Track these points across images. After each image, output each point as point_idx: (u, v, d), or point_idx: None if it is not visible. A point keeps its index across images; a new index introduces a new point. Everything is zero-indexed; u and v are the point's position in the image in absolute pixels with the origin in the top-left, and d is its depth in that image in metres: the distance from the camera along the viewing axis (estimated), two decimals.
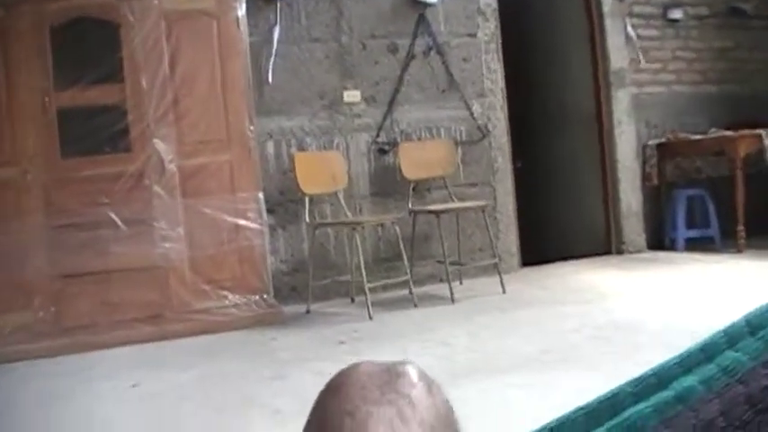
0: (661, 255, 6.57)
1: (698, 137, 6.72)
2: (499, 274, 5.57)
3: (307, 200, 5.46)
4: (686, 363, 0.70)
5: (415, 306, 5.30)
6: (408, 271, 5.45)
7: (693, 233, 6.71)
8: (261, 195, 5.29)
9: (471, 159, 6.22)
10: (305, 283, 5.50)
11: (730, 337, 0.69)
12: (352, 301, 5.67)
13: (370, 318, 5.03)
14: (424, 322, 4.88)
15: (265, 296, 5.26)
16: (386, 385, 0.66)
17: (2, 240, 4.84)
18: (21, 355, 4.64)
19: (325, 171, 5.66)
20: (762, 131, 6.19)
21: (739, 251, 6.09)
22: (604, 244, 6.94)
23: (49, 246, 4.91)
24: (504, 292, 5.50)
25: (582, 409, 0.74)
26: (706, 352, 0.69)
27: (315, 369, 4.00)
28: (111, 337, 4.85)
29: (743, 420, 0.59)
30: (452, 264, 5.68)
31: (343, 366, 0.73)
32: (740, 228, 6.11)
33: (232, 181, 5.24)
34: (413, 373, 0.69)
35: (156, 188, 5.07)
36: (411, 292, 5.42)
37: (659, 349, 3.41)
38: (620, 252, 6.84)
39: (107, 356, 4.67)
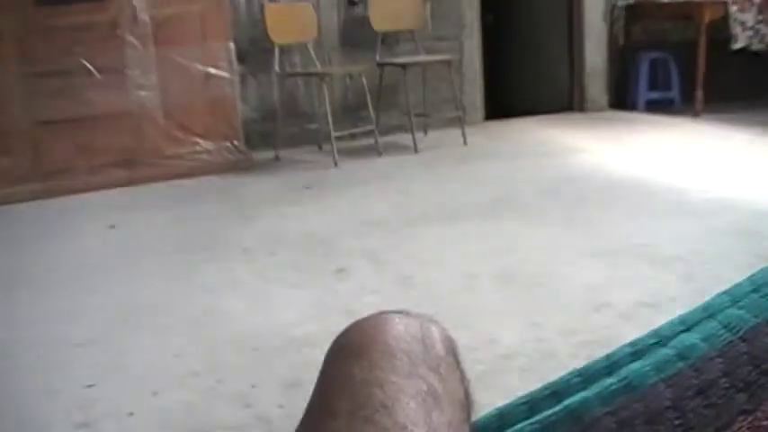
0: (621, 114, 6.72)
1: (666, 0, 6.75)
2: (462, 126, 5.76)
3: (277, 50, 5.53)
4: (687, 321, 0.67)
5: (380, 155, 5.52)
6: (374, 121, 5.61)
7: (655, 95, 6.83)
8: (232, 45, 5.37)
9: (440, 13, 6.25)
10: (274, 131, 5.65)
11: (733, 297, 0.66)
12: (320, 148, 5.87)
13: (336, 165, 5.26)
14: (387, 170, 5.12)
15: (236, 143, 5.43)
16: (415, 356, 0.62)
17: None
18: (2, 199, 4.79)
19: (295, 21, 5.70)
20: None
21: (697, 115, 6.24)
22: (567, 101, 7.08)
23: (25, 93, 4.98)
24: (465, 143, 5.71)
25: (577, 371, 0.70)
26: (708, 311, 0.67)
27: (281, 212, 4.27)
28: (87, 182, 5.02)
29: (746, 381, 0.57)
30: (417, 115, 5.84)
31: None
32: (699, 92, 6.24)
33: (203, 30, 5.30)
34: (441, 343, 0.65)
35: (130, 37, 5.11)
36: (376, 142, 5.61)
37: (604, 204, 3.73)
38: (582, 110, 6.97)
39: (85, 200, 4.87)
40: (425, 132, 6.13)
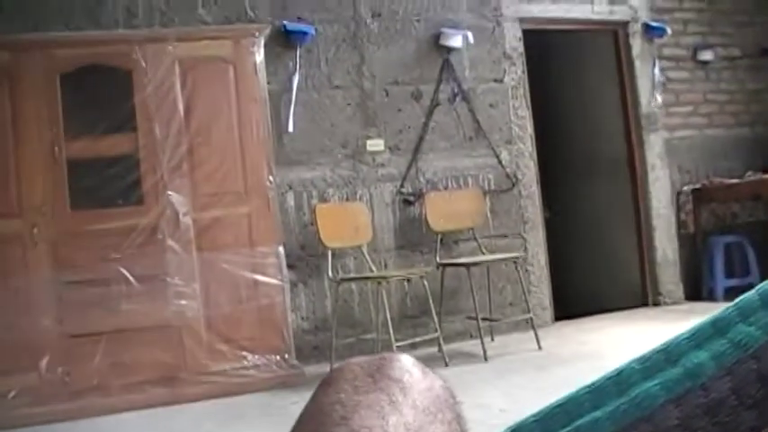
0: (700, 305, 6.35)
1: (734, 181, 6.64)
2: (534, 329, 5.35)
3: (329, 254, 5.28)
4: (696, 337, 0.68)
5: (446, 365, 5.06)
6: (437, 327, 5.24)
7: (733, 282, 6.52)
8: (281, 249, 5.13)
9: (500, 209, 6.04)
10: (328, 342, 5.28)
11: (742, 311, 0.67)
12: None
13: None
14: (456, 382, 4.47)
15: (286, 356, 5.07)
16: (377, 372, 0.66)
17: (7, 297, 4.68)
18: (27, 419, 4.45)
19: (348, 223, 5.49)
20: None
21: None
22: (640, 296, 6.74)
23: (57, 303, 4.77)
24: (539, 348, 5.27)
25: (587, 387, 0.71)
26: (716, 326, 0.67)
27: None
28: (122, 401, 4.67)
29: (755, 398, 0.58)
30: (484, 319, 5.47)
31: None
32: None
33: (250, 234, 5.09)
34: (405, 359, 0.69)
35: (170, 242, 4.92)
36: (441, 350, 5.20)
37: None
38: (656, 304, 6.63)
39: (118, 422, 4.50)
40: (492, 338, 5.71)
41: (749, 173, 6.68)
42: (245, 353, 4.97)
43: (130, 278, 4.81)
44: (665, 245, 6.66)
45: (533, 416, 0.73)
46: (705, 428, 0.58)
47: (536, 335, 5.30)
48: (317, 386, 0.68)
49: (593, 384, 0.71)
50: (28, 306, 4.72)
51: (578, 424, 0.66)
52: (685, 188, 6.74)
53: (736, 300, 0.69)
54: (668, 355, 0.68)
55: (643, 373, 0.68)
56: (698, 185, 6.74)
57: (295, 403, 4.48)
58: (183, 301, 4.93)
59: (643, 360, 0.70)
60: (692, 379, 0.63)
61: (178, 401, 4.71)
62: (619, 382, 0.69)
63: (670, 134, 6.79)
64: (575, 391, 0.72)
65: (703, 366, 0.63)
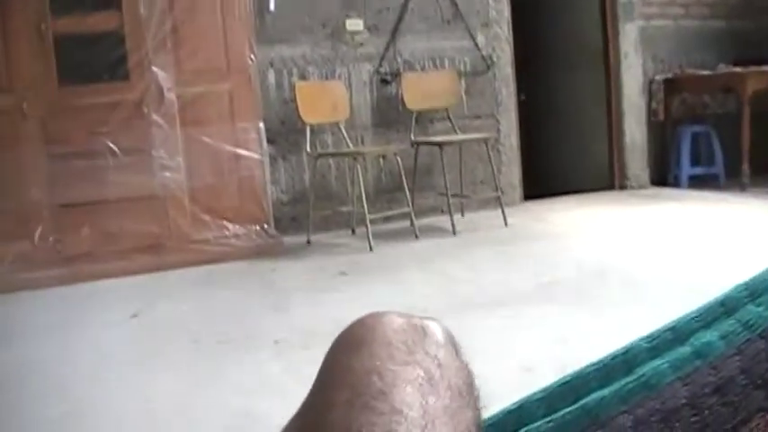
0: (664, 191, 6.54)
1: (706, 73, 6.64)
2: (501, 207, 5.54)
3: (308, 130, 5.40)
4: (705, 317, 0.68)
5: (417, 238, 5.28)
6: (410, 202, 5.41)
7: (697, 170, 6.68)
8: (261, 125, 5.23)
9: (475, 91, 6.14)
10: (305, 214, 5.47)
11: (752, 291, 0.67)
12: (353, 232, 5.65)
13: (371, 249, 5.01)
14: (425, 254, 4.87)
15: (265, 226, 5.24)
16: (413, 344, 0.64)
17: (0, 168, 4.79)
18: (22, 283, 4.62)
19: (326, 101, 5.59)
20: None
21: (743, 189, 6.05)
22: (607, 179, 6.90)
23: (48, 175, 4.87)
24: (505, 225, 5.48)
25: (594, 365, 0.70)
26: (726, 306, 0.67)
27: (314, 300, 3.99)
28: (110, 267, 4.83)
29: (764, 378, 0.58)
30: (454, 196, 5.64)
31: (355, 309, 0.71)
32: (745, 166, 6.06)
33: (232, 110, 5.18)
34: (439, 332, 0.67)
35: (155, 117, 5.00)
36: (412, 224, 5.40)
37: (658, 285, 3.42)
38: (622, 187, 6.80)
39: (107, 286, 4.67)
40: (462, 214, 5.93)
41: (721, 65, 6.73)
42: (226, 223, 5.12)
43: (117, 151, 4.91)
44: (635, 131, 6.78)
45: (539, 392, 0.71)
46: (714, 407, 0.58)
47: (503, 212, 5.50)
48: (342, 342, 0.66)
49: (599, 362, 0.70)
50: (19, 178, 4.83)
51: (584, 402, 0.65)
52: (658, 77, 6.80)
53: (746, 279, 0.68)
54: (676, 333, 0.68)
55: (651, 352, 0.67)
56: (670, 75, 6.80)
57: (273, 270, 4.75)
58: (168, 174, 5.04)
59: (651, 338, 0.69)
60: (700, 358, 0.62)
61: (163, 268, 4.88)
62: (626, 360, 0.69)
63: (646, 23, 6.79)
64: (581, 369, 0.71)
65: (712, 345, 0.62)
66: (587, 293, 3.72)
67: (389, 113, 5.90)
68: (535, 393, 0.72)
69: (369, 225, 5.08)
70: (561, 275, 4.08)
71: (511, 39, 6.28)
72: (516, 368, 2.79)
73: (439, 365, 0.62)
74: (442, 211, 5.60)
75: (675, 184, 6.69)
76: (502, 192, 5.78)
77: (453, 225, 5.38)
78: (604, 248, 4.64)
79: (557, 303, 3.59)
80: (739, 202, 5.73)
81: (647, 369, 0.64)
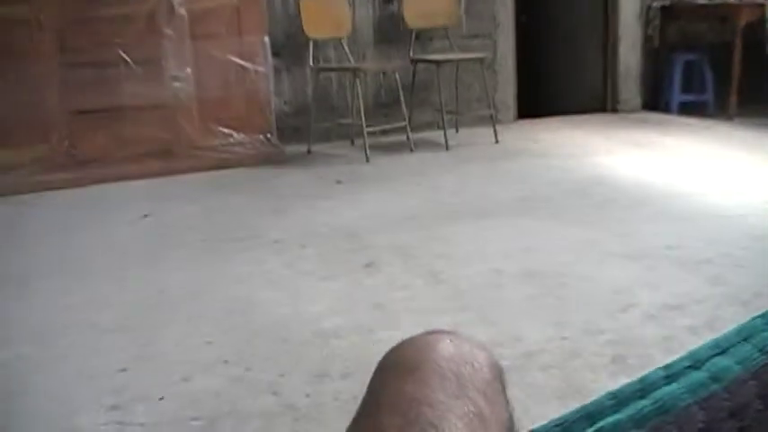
0: (654, 116, 6.67)
1: (702, 2, 6.64)
2: (493, 124, 5.77)
3: (311, 44, 5.58)
4: (721, 345, 0.66)
5: (411, 151, 5.55)
6: (407, 117, 5.63)
7: (688, 97, 6.75)
8: (266, 39, 5.41)
9: (474, 11, 6.25)
10: (307, 125, 5.69)
11: None
12: (352, 143, 5.90)
13: (368, 160, 5.30)
14: (418, 166, 5.15)
15: (269, 136, 5.47)
16: (464, 378, 0.62)
17: (17, 77, 4.95)
18: (38, 186, 4.86)
19: (330, 16, 5.75)
20: (765, 1, 6.17)
21: (730, 118, 6.18)
22: (600, 102, 7.04)
23: (63, 83, 5.03)
24: (496, 142, 5.72)
25: (610, 394, 0.70)
26: (742, 334, 0.66)
27: (313, 206, 4.31)
28: (122, 171, 5.07)
29: None
30: (449, 112, 5.86)
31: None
32: (733, 96, 6.16)
33: (239, 24, 5.34)
34: (489, 368, 0.66)
35: (166, 30, 5.17)
36: (408, 138, 5.63)
37: (632, 206, 3.75)
38: (614, 111, 6.93)
39: (120, 189, 4.94)
40: (457, 130, 6.15)
41: None
42: (231, 131, 5.34)
43: (129, 61, 5.08)
44: (630, 57, 6.87)
45: (555, 422, 0.71)
46: (730, 431, 0.57)
47: (495, 130, 5.73)
48: (395, 362, 0.66)
49: (616, 391, 0.70)
50: (36, 86, 4.99)
51: (600, 426, 0.65)
52: (655, 4, 6.82)
53: (764, 311, 0.68)
54: (693, 362, 0.67)
55: (667, 380, 0.67)
56: (667, 2, 6.82)
57: (276, 177, 5.04)
58: (177, 84, 5.24)
59: (668, 368, 0.68)
60: (717, 382, 0.61)
61: (172, 173, 5.13)
62: (642, 387, 0.68)
63: None
64: (598, 397, 0.71)
65: (729, 370, 0.62)
66: (562, 208, 4.03)
67: (390, 31, 6.04)
68: (552, 421, 0.71)
69: (366, 137, 5.34)
70: (542, 191, 4.38)
71: None
72: (487, 271, 3.12)
73: (488, 402, 0.61)
74: (438, 127, 5.80)
75: (666, 109, 6.78)
76: (496, 110, 6.01)
77: (447, 140, 5.62)
78: (587, 167, 4.90)
79: (532, 216, 3.90)
80: (724, 130, 5.92)
81: (663, 393, 0.63)
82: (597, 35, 7.04)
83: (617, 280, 2.95)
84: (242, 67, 5.34)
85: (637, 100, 6.97)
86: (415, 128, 5.86)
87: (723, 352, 0.65)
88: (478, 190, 4.52)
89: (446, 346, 0.66)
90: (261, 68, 5.39)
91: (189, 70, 5.26)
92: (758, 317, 0.68)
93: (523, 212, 3.97)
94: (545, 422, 0.71)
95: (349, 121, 5.85)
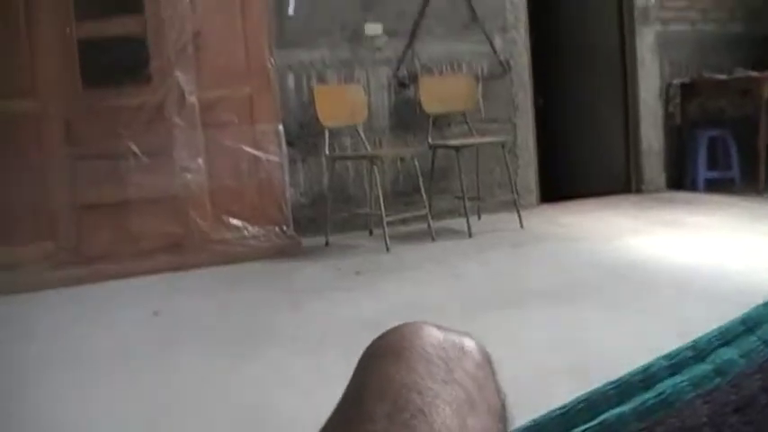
0: (680, 195, 6.53)
1: (722, 77, 6.62)
2: (517, 209, 5.58)
3: (326, 132, 5.46)
4: (725, 335, 0.66)
5: (433, 240, 5.33)
6: (427, 205, 5.46)
7: (714, 174, 6.64)
8: (281, 127, 5.30)
9: (492, 95, 6.16)
10: (324, 216, 5.52)
11: None
12: (371, 233, 5.71)
13: (388, 250, 5.07)
14: (441, 255, 4.92)
15: (284, 228, 5.30)
16: (452, 362, 0.62)
17: (24, 171, 4.86)
18: (44, 283, 4.69)
19: (345, 104, 5.65)
20: None
21: (759, 193, 6.03)
22: (624, 183, 6.91)
23: (70, 176, 4.94)
24: (521, 227, 5.52)
25: (613, 383, 0.69)
26: (747, 324, 0.65)
27: (332, 299, 4.06)
28: (131, 267, 4.89)
29: None
30: (471, 199, 5.67)
31: (389, 329, 0.66)
32: (761, 170, 6.04)
33: (252, 113, 5.25)
34: (477, 351, 0.65)
35: (176, 119, 5.08)
36: (429, 226, 5.43)
37: (675, 288, 3.45)
38: (639, 191, 6.80)
39: (128, 286, 4.73)
40: (479, 216, 5.97)
41: (738, 69, 6.70)
42: (245, 223, 5.19)
43: (139, 153, 4.99)
44: (651, 135, 6.78)
45: (557, 410, 0.70)
46: (735, 426, 0.56)
47: (519, 214, 5.53)
48: (380, 349, 0.64)
49: (618, 380, 0.69)
50: (43, 180, 4.90)
51: (603, 418, 0.63)
52: (675, 81, 6.79)
53: (767, 300, 0.67)
54: (697, 352, 0.66)
55: (670, 370, 0.66)
56: (687, 79, 6.78)
57: (291, 270, 4.82)
58: (189, 175, 5.12)
59: (670, 357, 0.68)
60: (721, 375, 0.60)
61: (184, 268, 4.95)
62: (645, 378, 0.67)
63: (663, 27, 6.80)
64: (599, 386, 0.69)
65: (733, 363, 0.61)
66: (600, 294, 3.77)
67: (407, 117, 5.95)
68: (553, 411, 0.69)
69: (386, 227, 5.15)
70: (575, 277, 4.13)
71: (528, 43, 6.33)
72: (527, 367, 2.84)
73: (478, 387, 0.61)
74: (459, 214, 5.63)
75: (692, 187, 6.66)
76: (518, 195, 5.83)
77: (469, 227, 5.41)
78: (618, 250, 4.67)
79: (569, 304, 3.64)
80: (756, 206, 5.73)
81: (666, 386, 0.62)
82: (617, 114, 6.97)
83: None
84: (255, 156, 5.23)
85: (661, 179, 6.84)
86: (436, 216, 5.69)
87: (727, 343, 0.65)
88: (507, 278, 4.27)
89: (433, 333, 0.65)
90: (275, 158, 5.26)
91: (200, 161, 5.13)
92: (762, 306, 0.67)
93: (559, 300, 3.71)
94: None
95: (367, 210, 5.68)
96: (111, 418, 2.67)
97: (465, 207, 5.47)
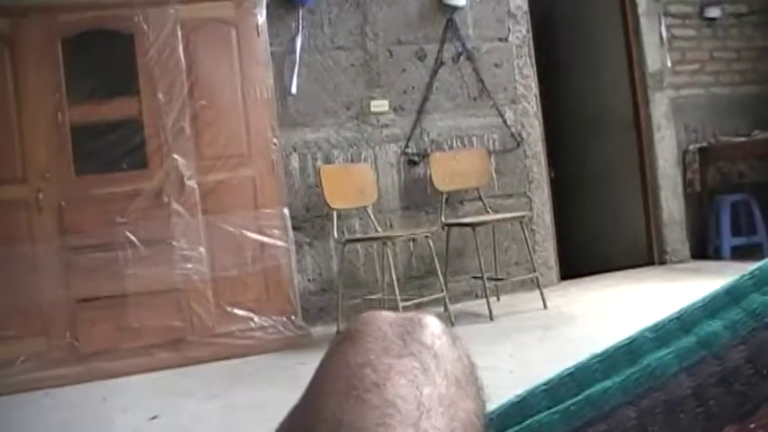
0: (706, 264, 6.32)
1: (740, 140, 6.58)
2: (539, 288, 5.33)
3: (334, 215, 5.27)
4: (710, 306, 0.67)
5: (452, 324, 5.05)
6: (443, 287, 5.22)
7: (739, 241, 6.49)
8: (286, 211, 5.11)
9: (505, 169, 6.01)
10: (334, 303, 5.29)
11: (758, 280, 0.66)
12: None
13: None
14: (463, 342, 4.60)
15: (293, 317, 5.06)
16: (407, 335, 0.64)
17: (14, 263, 4.69)
18: (36, 383, 4.49)
19: (353, 184, 5.47)
20: None
21: None
22: (646, 254, 6.70)
23: (64, 268, 4.76)
24: (545, 307, 5.27)
25: (598, 356, 0.70)
26: (731, 294, 0.67)
27: None
28: (129, 364, 4.69)
29: None
30: (489, 279, 5.45)
31: None
32: None
33: (255, 197, 5.07)
34: (435, 324, 0.67)
35: (175, 206, 4.90)
36: (447, 310, 5.19)
37: None
38: (662, 262, 6.59)
39: (126, 384, 4.51)
40: (498, 297, 5.71)
41: (756, 131, 6.62)
42: (251, 314, 4.96)
43: (136, 242, 4.80)
44: (671, 204, 6.61)
45: (543, 384, 0.72)
46: (719, 398, 0.58)
47: (542, 294, 5.29)
48: (339, 338, 0.65)
49: (604, 353, 0.70)
50: (35, 271, 4.71)
51: (589, 393, 0.65)
52: (691, 147, 6.68)
53: (751, 269, 0.68)
54: (681, 323, 0.67)
55: (656, 342, 0.67)
56: (704, 144, 6.68)
57: (303, 364, 4.50)
58: (189, 265, 4.91)
59: (656, 329, 0.69)
60: (705, 348, 0.62)
61: (186, 364, 4.73)
62: (630, 350, 0.68)
63: (676, 93, 6.71)
64: (585, 360, 0.71)
65: (717, 335, 0.62)
66: None
67: (418, 195, 5.77)
68: (539, 386, 0.71)
69: (401, 311, 4.85)
70: None
71: (540, 114, 6.17)
72: None
73: (435, 356, 0.62)
74: (477, 296, 5.44)
75: (716, 256, 6.49)
76: (538, 272, 5.56)
77: (490, 309, 5.15)
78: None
79: None
80: None
81: (651, 359, 0.63)
82: (634, 183, 6.84)
83: None
84: (260, 242, 5.01)
85: (685, 249, 6.66)
86: (453, 298, 5.46)
87: (712, 314, 0.66)
88: (539, 365, 3.93)
89: (389, 314, 0.67)
90: (281, 243, 5.04)
91: (202, 249, 4.93)
92: (746, 276, 0.68)
93: None
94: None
95: (380, 295, 5.44)
96: None
97: (485, 287, 5.23)
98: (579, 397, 0.65)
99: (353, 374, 0.59)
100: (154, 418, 3.72)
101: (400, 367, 0.60)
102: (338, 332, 0.76)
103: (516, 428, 0.67)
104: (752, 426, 0.56)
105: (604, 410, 0.62)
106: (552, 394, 0.69)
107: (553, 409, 0.66)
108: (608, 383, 0.64)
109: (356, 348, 0.63)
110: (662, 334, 0.67)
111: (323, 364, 0.65)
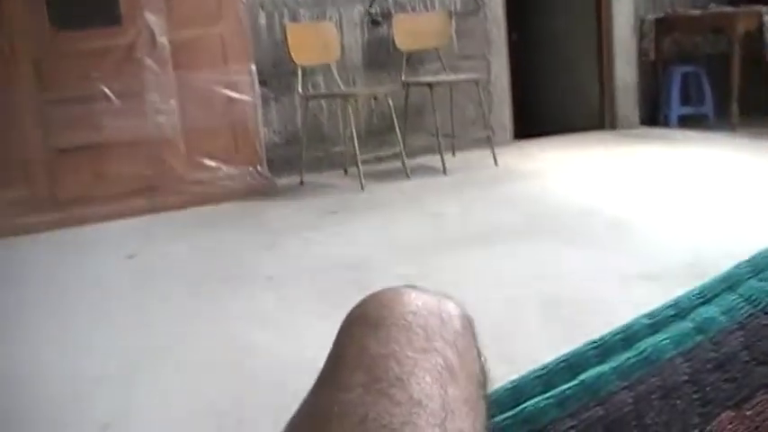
0: (654, 131, 6.55)
1: (697, 12, 6.58)
2: (491, 146, 5.58)
3: (300, 71, 5.41)
4: (707, 293, 0.66)
5: (408, 177, 5.34)
6: (401, 143, 5.44)
7: (687, 110, 6.66)
8: (253, 67, 5.24)
9: (466, 31, 6.11)
10: (298, 155, 5.50)
11: (754, 267, 0.66)
12: (345, 172, 5.71)
13: (363, 189, 5.09)
14: (416, 193, 4.94)
15: (259, 168, 5.29)
16: (432, 330, 0.60)
17: None
18: (19, 228, 4.66)
19: (317, 42, 5.58)
20: (761, 8, 6.05)
21: (733, 129, 6.05)
22: (598, 119, 6.90)
23: (42, 120, 4.86)
24: (495, 164, 5.52)
25: (593, 342, 0.69)
26: (728, 282, 0.66)
27: (307, 238, 4.09)
28: (106, 210, 4.87)
29: None
30: (445, 136, 5.66)
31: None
32: (734, 106, 6.04)
33: (224, 53, 5.18)
34: (458, 319, 0.64)
35: (148, 61, 4.99)
36: (403, 164, 5.43)
37: (645, 224, 3.50)
38: (613, 127, 6.80)
39: (103, 229, 4.72)
40: (453, 153, 5.96)
41: (712, 4, 6.67)
42: (220, 164, 5.16)
43: (111, 95, 4.91)
44: (626, 72, 6.75)
45: (537, 369, 0.70)
46: (716, 383, 0.56)
47: (493, 152, 5.53)
48: (355, 318, 0.63)
49: (599, 339, 0.68)
50: (14, 123, 4.81)
51: (584, 377, 0.63)
52: (649, 17, 6.74)
53: (749, 256, 0.67)
54: (678, 310, 0.66)
55: (652, 328, 0.66)
56: (661, 15, 6.74)
57: (266, 210, 4.83)
58: (161, 117, 5.06)
59: (652, 316, 0.67)
60: (702, 333, 0.61)
61: (158, 210, 4.94)
62: (626, 337, 0.67)
63: None
64: (580, 346, 0.69)
65: (714, 321, 0.61)
66: (572, 231, 3.82)
67: (380, 54, 5.89)
68: (533, 371, 0.70)
69: (360, 165, 5.15)
70: (548, 214, 4.17)
71: None
72: (500, 300, 2.89)
73: (458, 354, 0.60)
74: (433, 151, 5.61)
75: (665, 123, 6.68)
76: (492, 131, 5.82)
77: (444, 164, 5.42)
78: (592, 188, 4.71)
79: (542, 241, 3.68)
80: (728, 142, 5.76)
81: (647, 344, 0.62)
82: (591, 51, 6.92)
83: (640, 303, 2.72)
84: (228, 97, 5.17)
85: (635, 115, 6.84)
86: (411, 153, 5.67)
87: (708, 301, 0.65)
88: (482, 215, 4.30)
89: (412, 300, 0.63)
90: (248, 98, 5.22)
91: (173, 102, 5.07)
92: (743, 263, 0.67)
93: (532, 237, 3.75)
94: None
95: (341, 149, 5.66)
96: (90, 360, 2.70)
97: (439, 144, 5.47)
98: (574, 381, 0.64)
99: (376, 365, 0.56)
100: (131, 256, 3.99)
101: (425, 363, 0.57)
102: (356, 307, 0.62)
103: (510, 414, 0.65)
104: (748, 413, 0.55)
105: (600, 395, 0.61)
106: (547, 379, 0.68)
107: (547, 394, 0.65)
108: (604, 368, 0.63)
109: (378, 335, 0.59)
110: (658, 320, 0.67)
111: (340, 347, 0.62)
